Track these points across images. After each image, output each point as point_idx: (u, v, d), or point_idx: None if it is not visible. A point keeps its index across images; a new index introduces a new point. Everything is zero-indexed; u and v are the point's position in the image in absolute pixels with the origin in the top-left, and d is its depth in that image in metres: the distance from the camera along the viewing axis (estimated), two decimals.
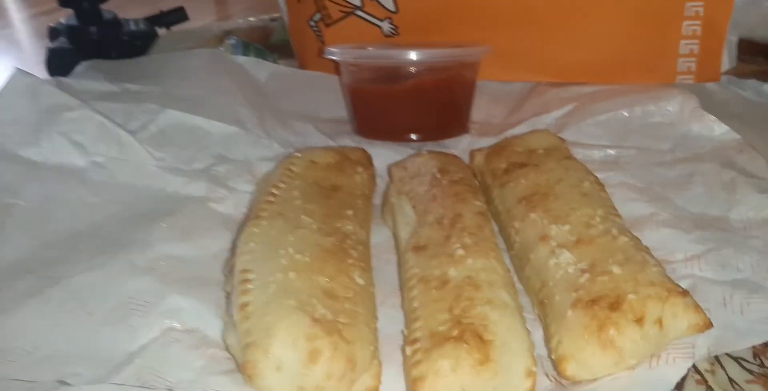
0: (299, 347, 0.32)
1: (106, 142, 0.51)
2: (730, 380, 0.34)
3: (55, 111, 0.51)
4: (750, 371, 0.34)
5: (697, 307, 0.32)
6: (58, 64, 0.84)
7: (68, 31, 0.84)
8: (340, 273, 0.38)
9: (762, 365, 0.34)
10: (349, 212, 0.44)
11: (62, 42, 0.85)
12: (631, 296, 0.32)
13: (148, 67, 0.63)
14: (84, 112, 0.51)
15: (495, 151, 0.52)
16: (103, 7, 0.85)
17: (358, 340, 0.34)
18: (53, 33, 0.88)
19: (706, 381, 0.33)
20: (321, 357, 0.32)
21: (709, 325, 0.32)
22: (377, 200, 0.53)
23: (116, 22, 0.86)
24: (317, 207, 0.43)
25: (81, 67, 0.65)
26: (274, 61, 0.77)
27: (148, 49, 0.85)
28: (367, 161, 0.53)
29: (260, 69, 0.69)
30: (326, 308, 0.35)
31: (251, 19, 0.92)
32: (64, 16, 0.85)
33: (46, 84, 0.53)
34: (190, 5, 0.99)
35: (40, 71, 0.81)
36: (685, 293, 0.33)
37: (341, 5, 0.67)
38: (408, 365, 0.33)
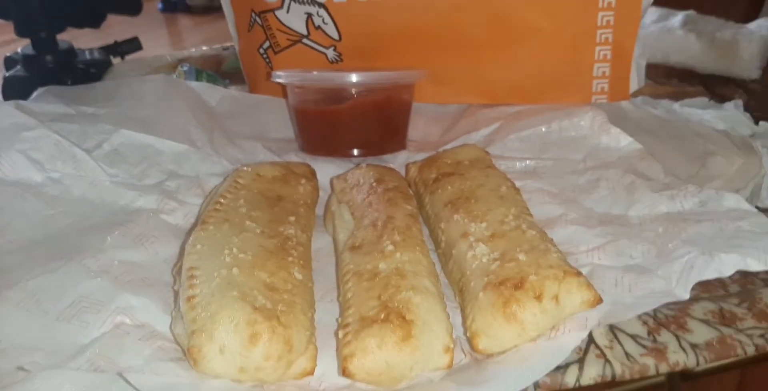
0: (240, 331, 0.36)
1: (62, 159, 0.54)
2: (626, 353, 0.38)
3: (13, 130, 0.54)
4: (644, 346, 0.39)
5: (589, 285, 0.37)
6: (14, 92, 0.86)
7: (24, 60, 0.87)
8: (280, 269, 0.42)
9: (654, 340, 0.39)
10: (291, 219, 0.48)
11: (18, 70, 0.87)
12: (532, 277, 0.37)
13: (103, 92, 0.66)
14: (41, 132, 0.54)
15: (427, 163, 0.57)
16: (59, 37, 0.88)
17: (294, 325, 0.38)
18: (9, 63, 0.91)
19: (605, 355, 0.38)
20: (260, 340, 0.36)
21: (599, 300, 0.37)
22: (320, 210, 0.57)
23: (71, 51, 0.89)
24: (261, 214, 0.47)
25: (38, 92, 0.68)
26: (225, 87, 0.81)
27: (103, 77, 0.88)
28: (311, 175, 0.58)
29: (212, 93, 0.73)
30: (266, 298, 0.38)
31: (204, 48, 0.96)
32: (20, 47, 0.88)
33: (5, 105, 0.56)
34: (144, 38, 1.03)
35: None
36: (579, 273, 0.38)
37: (288, 34, 0.72)
38: (340, 345, 0.37)
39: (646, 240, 0.44)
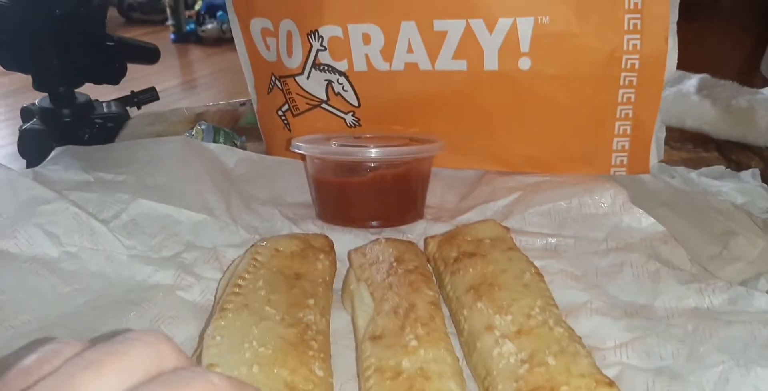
0: None
1: (80, 232, 0.53)
2: None
3: (32, 204, 0.53)
4: None
5: None
6: (30, 145, 0.87)
7: (41, 112, 0.87)
8: (301, 365, 0.41)
9: None
10: (311, 302, 0.48)
11: (35, 123, 0.88)
12: (563, 388, 0.36)
13: (120, 155, 0.66)
14: (60, 205, 0.54)
15: (446, 239, 0.57)
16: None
17: None
18: (26, 114, 0.92)
19: None
20: None
21: None
22: (337, 283, 0.56)
23: (89, 105, 0.90)
24: (281, 297, 0.46)
25: (55, 152, 0.68)
26: (243, 143, 0.81)
27: (120, 132, 0.89)
28: (329, 248, 0.57)
29: (229, 155, 0.73)
30: None
31: (220, 103, 0.97)
32: (39, 98, 0.89)
33: (23, 177, 0.56)
34: (156, 68, 1.04)
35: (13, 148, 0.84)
36: (611, 383, 0.37)
37: (308, 99, 0.72)
38: None
39: (675, 338, 0.43)
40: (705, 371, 0.39)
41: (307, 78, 0.70)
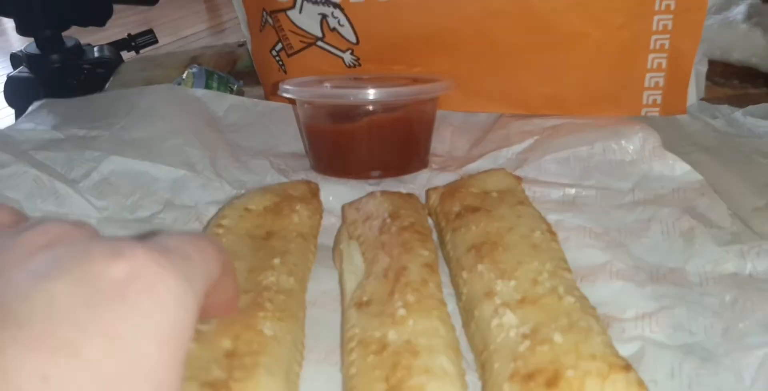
0: None
1: (41, 196, 0.49)
2: None
3: None
4: None
5: (641, 384, 0.30)
6: (16, 92, 0.82)
7: (28, 59, 0.82)
8: (247, 330, 0.35)
9: None
10: (276, 261, 0.42)
11: (22, 70, 0.83)
12: (569, 373, 0.30)
13: (98, 108, 0.61)
14: (17, 168, 0.49)
15: (449, 191, 0.50)
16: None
17: None
18: (15, 60, 0.87)
19: None
20: None
21: None
22: (328, 238, 0.51)
23: (78, 50, 0.84)
24: (241, 264, 0.41)
25: (33, 107, 0.63)
26: (240, 88, 0.75)
27: (110, 78, 0.83)
28: (310, 195, 0.51)
29: (219, 102, 0.67)
30: (222, 368, 0.32)
31: (218, 44, 0.90)
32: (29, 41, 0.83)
33: None
34: (182, 13, 0.98)
35: None
36: (628, 367, 0.31)
37: (302, 36, 0.65)
38: None
39: (709, 309, 0.37)
40: (744, 353, 0.33)
41: (300, 12, 0.63)
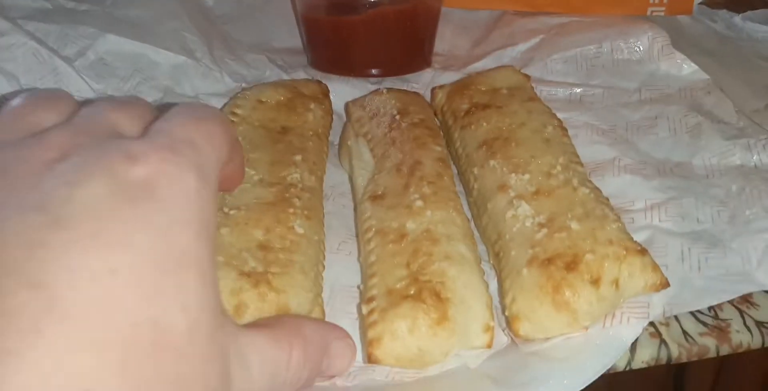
0: (225, 302, 0.31)
1: (41, 72, 0.46)
2: (684, 332, 0.34)
3: None
4: (704, 323, 0.34)
5: (655, 266, 0.32)
6: None
7: None
8: (278, 224, 0.36)
9: (716, 316, 0.35)
10: (298, 158, 0.42)
11: None
12: (588, 256, 0.31)
13: None
14: (17, 38, 0.46)
15: (457, 89, 0.50)
16: None
17: (290, 288, 0.33)
18: None
19: (660, 334, 0.34)
20: (247, 310, 0.31)
21: (666, 284, 0.32)
22: (334, 137, 0.50)
23: None
24: (262, 155, 0.41)
25: None
26: None
27: None
28: (322, 95, 0.50)
29: None
30: (257, 260, 0.33)
31: None
32: None
33: None
34: None
35: None
36: (643, 251, 0.32)
37: None
38: (364, 325, 0.32)
39: (716, 199, 0.38)
40: (751, 236, 0.35)
41: None
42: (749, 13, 0.67)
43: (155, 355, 0.17)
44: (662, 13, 0.59)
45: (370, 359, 0.31)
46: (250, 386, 0.21)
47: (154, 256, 0.18)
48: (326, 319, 0.35)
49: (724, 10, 0.68)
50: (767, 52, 0.58)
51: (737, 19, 0.66)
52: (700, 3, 0.66)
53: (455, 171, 0.46)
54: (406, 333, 0.31)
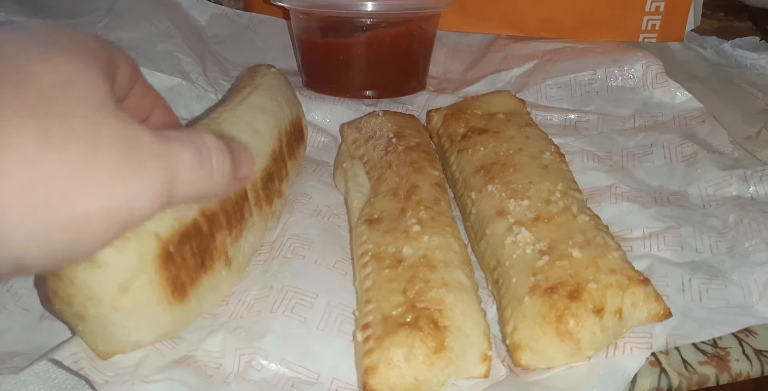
0: None
1: None
2: (684, 361, 0.34)
3: None
4: (704, 352, 0.34)
5: (658, 296, 0.32)
6: None
7: None
8: None
9: (715, 345, 0.35)
10: None
11: None
12: (591, 285, 0.31)
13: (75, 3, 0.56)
14: None
15: (453, 112, 0.50)
16: None
17: None
18: None
19: (660, 363, 0.33)
20: None
21: (668, 314, 0.32)
22: (329, 158, 0.50)
23: None
24: None
25: None
26: (218, 1, 0.71)
27: None
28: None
29: (201, 10, 0.63)
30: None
31: None
32: None
33: None
34: None
35: None
36: (646, 281, 0.32)
37: None
38: (360, 352, 0.32)
39: (713, 229, 0.38)
40: (751, 269, 0.34)
41: None
42: (738, 40, 0.69)
43: None
44: (654, 40, 0.60)
45: (365, 388, 0.30)
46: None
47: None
48: (322, 336, 0.34)
49: (714, 37, 0.70)
50: (756, 79, 0.59)
51: (726, 46, 0.67)
52: (690, 31, 0.67)
53: (452, 195, 0.45)
54: (402, 362, 0.30)
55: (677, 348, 0.34)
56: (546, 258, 0.34)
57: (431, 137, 0.50)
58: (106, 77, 0.22)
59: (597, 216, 0.37)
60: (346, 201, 0.45)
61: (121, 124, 0.21)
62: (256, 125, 0.39)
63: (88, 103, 0.21)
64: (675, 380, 0.33)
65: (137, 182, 0.21)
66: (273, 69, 0.46)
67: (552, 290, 0.32)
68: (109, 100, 0.22)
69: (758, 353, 0.34)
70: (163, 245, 0.29)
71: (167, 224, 0.30)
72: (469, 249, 0.41)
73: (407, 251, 0.36)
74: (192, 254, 0.31)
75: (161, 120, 0.31)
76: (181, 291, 0.31)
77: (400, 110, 0.54)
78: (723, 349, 0.34)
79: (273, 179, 0.41)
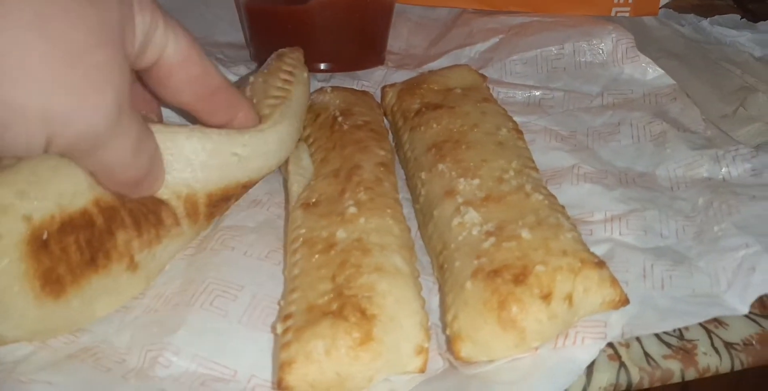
0: None
1: None
2: (646, 354, 0.30)
3: None
4: (668, 344, 0.31)
5: (614, 281, 0.28)
6: None
7: None
8: None
9: (681, 337, 0.31)
10: None
11: None
12: (539, 268, 0.27)
13: None
14: None
15: (409, 88, 0.46)
16: None
17: None
18: None
19: (619, 357, 0.30)
20: None
21: (625, 301, 0.28)
22: None
23: None
24: None
25: None
26: None
27: None
28: None
29: None
30: None
31: None
32: None
33: None
34: None
35: None
36: (601, 264, 0.28)
37: None
38: (278, 346, 0.28)
39: (681, 213, 0.35)
40: (720, 255, 0.31)
41: None
42: (717, 17, 0.66)
43: None
44: (627, 14, 0.56)
45: (280, 385, 0.26)
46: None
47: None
48: (244, 330, 0.31)
49: (692, 15, 0.67)
50: (734, 56, 0.56)
51: (705, 23, 0.64)
52: (667, 6, 0.63)
53: (404, 176, 0.42)
54: (322, 355, 0.26)
55: (639, 340, 0.31)
56: (492, 239, 0.30)
57: (385, 115, 0.47)
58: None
59: (553, 195, 0.34)
60: (284, 187, 0.41)
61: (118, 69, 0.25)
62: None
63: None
64: (635, 376, 0.30)
65: (91, 107, 0.24)
66: (305, 73, 0.42)
67: (496, 273, 0.28)
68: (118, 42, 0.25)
69: (728, 345, 0.31)
70: (35, 231, 0.25)
71: (44, 207, 0.26)
72: (419, 234, 0.37)
73: (341, 234, 0.32)
74: (78, 248, 0.27)
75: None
76: (57, 287, 0.27)
77: (354, 86, 0.50)
78: (690, 341, 0.31)
79: (229, 200, 0.37)
